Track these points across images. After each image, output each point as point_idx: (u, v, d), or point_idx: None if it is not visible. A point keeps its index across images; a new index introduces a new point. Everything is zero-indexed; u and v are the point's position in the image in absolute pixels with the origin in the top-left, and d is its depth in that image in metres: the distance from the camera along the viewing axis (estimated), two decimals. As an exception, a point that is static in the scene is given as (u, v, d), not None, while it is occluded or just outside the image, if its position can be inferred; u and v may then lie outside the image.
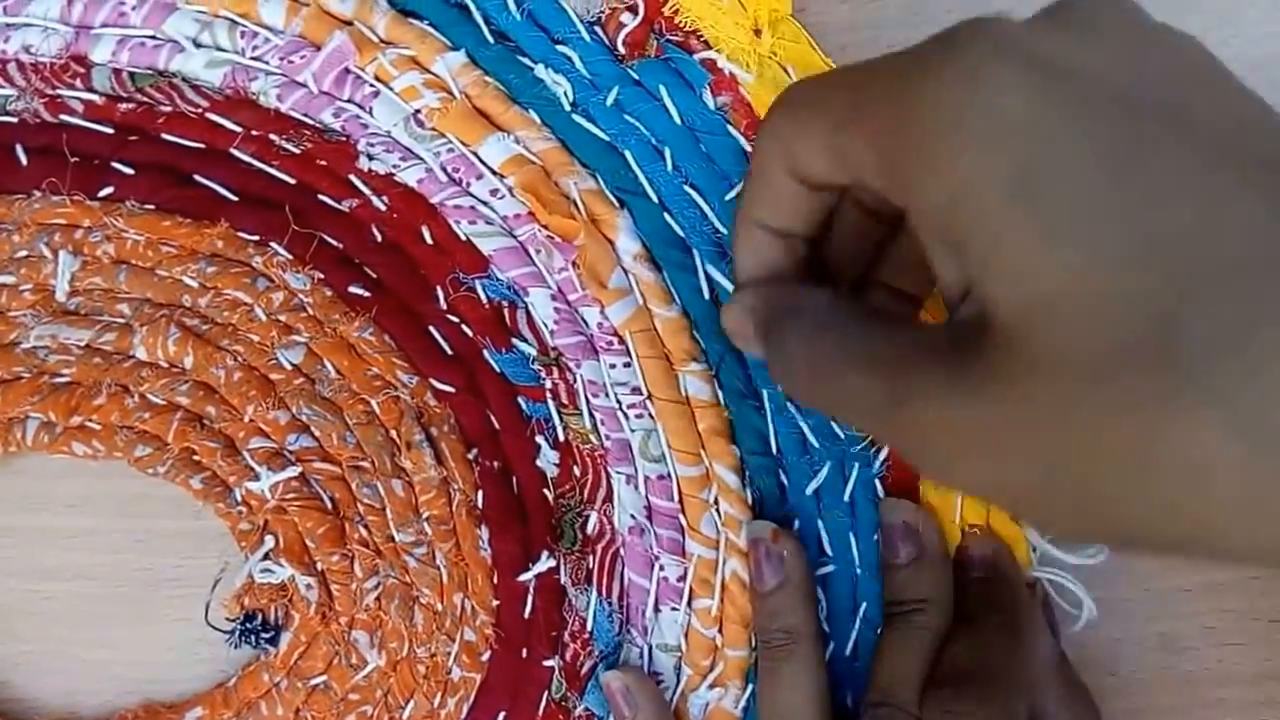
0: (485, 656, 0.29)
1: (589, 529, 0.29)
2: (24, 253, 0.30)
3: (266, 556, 0.29)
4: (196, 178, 0.30)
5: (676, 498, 0.29)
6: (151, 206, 0.30)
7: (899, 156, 0.18)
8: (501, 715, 0.29)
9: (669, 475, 0.29)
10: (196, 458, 0.29)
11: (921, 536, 0.27)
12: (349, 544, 0.29)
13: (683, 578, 0.28)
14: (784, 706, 0.26)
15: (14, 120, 0.30)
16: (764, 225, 0.24)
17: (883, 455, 0.28)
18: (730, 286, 0.28)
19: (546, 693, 0.29)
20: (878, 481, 0.28)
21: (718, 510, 0.28)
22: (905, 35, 0.29)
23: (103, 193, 0.30)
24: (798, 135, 0.21)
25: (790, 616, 0.27)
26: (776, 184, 0.22)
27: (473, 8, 0.29)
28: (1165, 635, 0.28)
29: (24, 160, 0.30)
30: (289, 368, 0.29)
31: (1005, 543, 0.27)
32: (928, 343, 0.19)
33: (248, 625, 0.29)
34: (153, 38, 0.30)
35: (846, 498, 0.28)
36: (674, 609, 0.28)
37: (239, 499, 0.29)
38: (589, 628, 0.29)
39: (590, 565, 0.29)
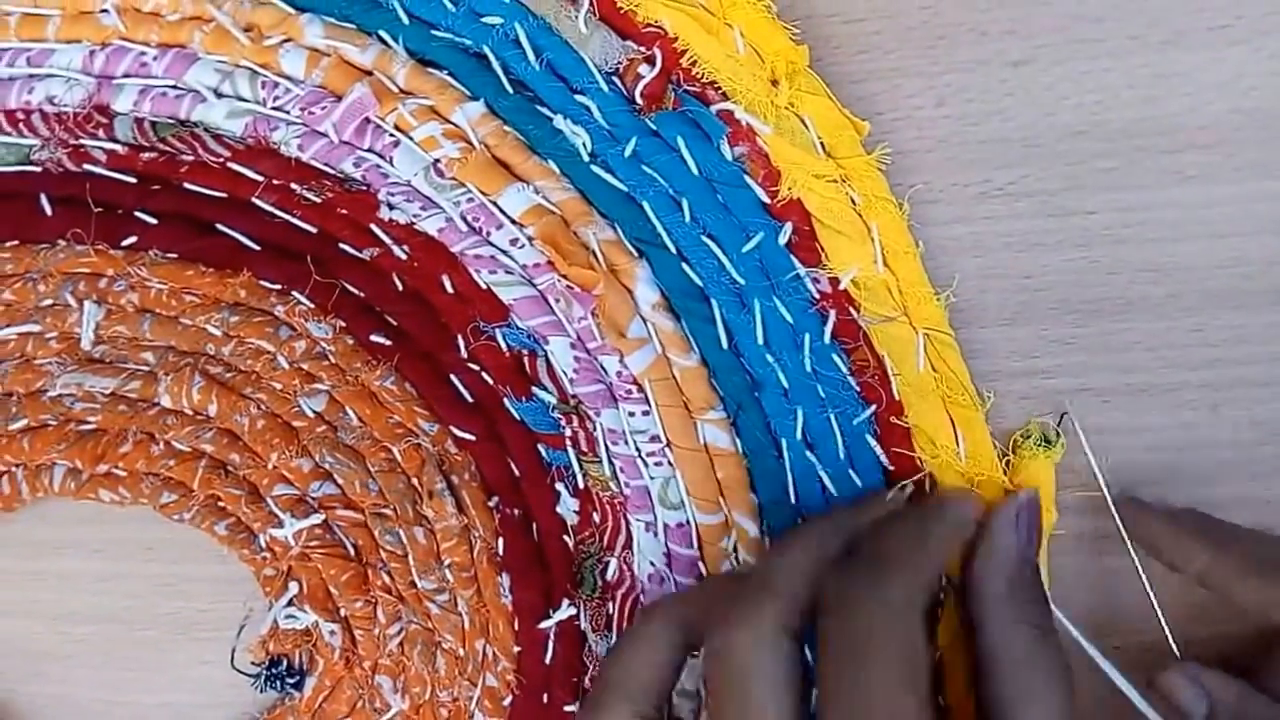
0: (507, 702, 0.29)
1: (609, 575, 0.29)
2: (49, 301, 0.30)
3: (290, 603, 0.29)
4: (219, 227, 0.30)
5: (696, 545, 0.29)
6: (174, 256, 0.30)
7: None
8: (523, 760, 0.29)
9: (688, 522, 0.29)
10: (221, 504, 0.30)
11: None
12: (372, 590, 0.29)
13: (702, 624, 0.29)
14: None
15: (38, 170, 0.30)
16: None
17: (900, 503, 0.28)
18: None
19: (568, 746, 0.29)
20: (895, 530, 0.29)
21: (736, 558, 0.29)
22: (922, 84, 0.29)
23: (126, 242, 0.30)
24: None
25: None
26: None
27: (492, 58, 0.30)
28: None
29: (48, 210, 0.30)
30: (311, 415, 0.30)
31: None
32: None
33: (273, 670, 0.30)
34: (174, 88, 0.30)
35: (864, 545, 0.28)
36: (693, 656, 0.29)
37: (263, 545, 0.30)
38: (609, 673, 0.29)
39: (611, 611, 0.29)
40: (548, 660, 0.29)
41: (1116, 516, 0.28)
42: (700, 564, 0.29)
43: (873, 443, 0.29)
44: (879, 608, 0.24)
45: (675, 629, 0.26)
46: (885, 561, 0.25)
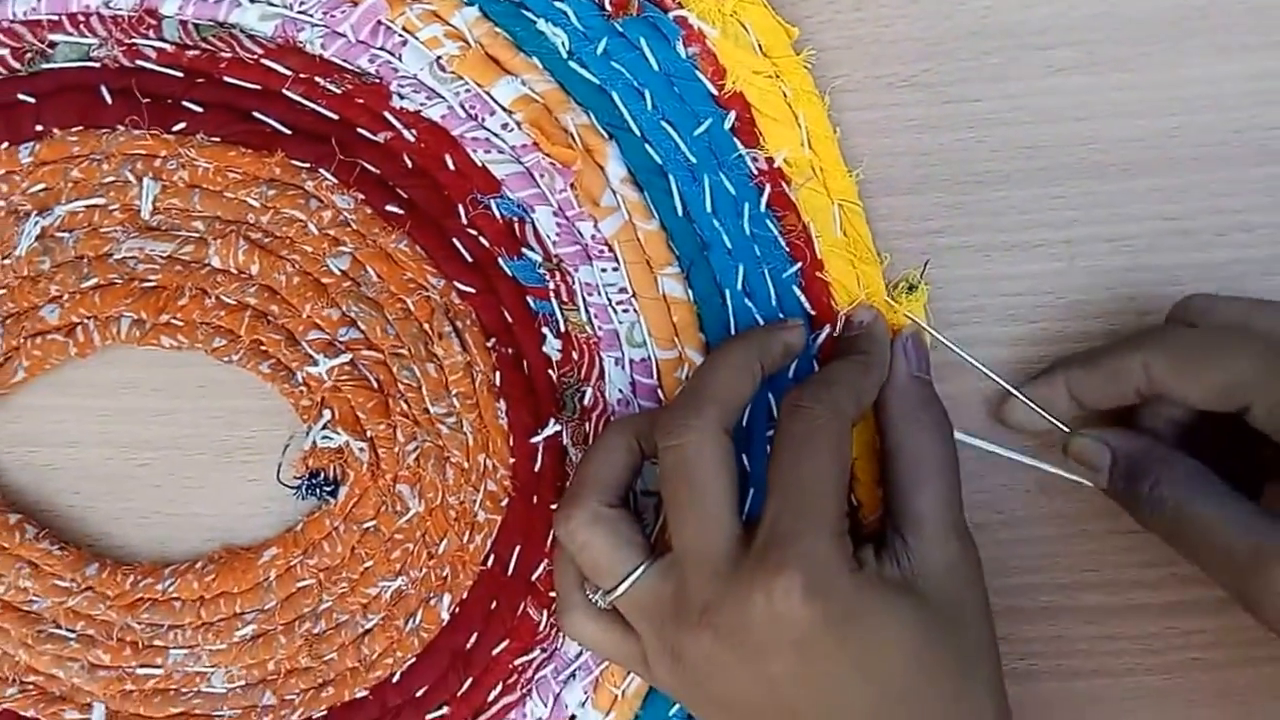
0: (504, 503, 0.36)
1: (586, 401, 0.36)
2: (112, 179, 0.36)
3: (325, 426, 0.36)
4: (255, 114, 0.35)
5: (656, 376, 0.35)
6: (218, 139, 0.35)
7: None
8: (517, 549, 0.36)
9: (649, 358, 0.35)
10: (264, 348, 0.36)
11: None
12: (393, 416, 0.36)
13: (661, 440, 0.35)
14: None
15: (98, 65, 0.35)
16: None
17: (819, 341, 0.35)
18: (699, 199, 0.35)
19: (553, 531, 0.36)
20: (815, 361, 0.35)
21: (689, 385, 0.35)
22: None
23: (176, 127, 0.35)
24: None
25: None
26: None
27: (482, -32, 0.35)
28: (1041, 482, 0.36)
29: (109, 100, 0.35)
30: (338, 273, 0.36)
31: (883, 313, 0.34)
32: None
33: (312, 481, 0.36)
34: (213, -6, 0.35)
35: (791, 374, 0.35)
36: (653, 463, 0.35)
37: (300, 380, 0.36)
38: (587, 480, 0.36)
39: (588, 430, 0.36)
40: (537, 469, 0.35)
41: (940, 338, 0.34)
42: (659, 391, 0.35)
43: (798, 292, 0.35)
44: (822, 412, 0.30)
45: (631, 437, 0.33)
46: (831, 383, 0.32)
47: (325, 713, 0.37)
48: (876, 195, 0.35)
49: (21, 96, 0.35)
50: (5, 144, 0.36)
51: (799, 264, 0.35)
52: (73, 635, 0.37)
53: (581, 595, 0.33)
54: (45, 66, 0.36)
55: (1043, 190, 0.35)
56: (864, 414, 0.33)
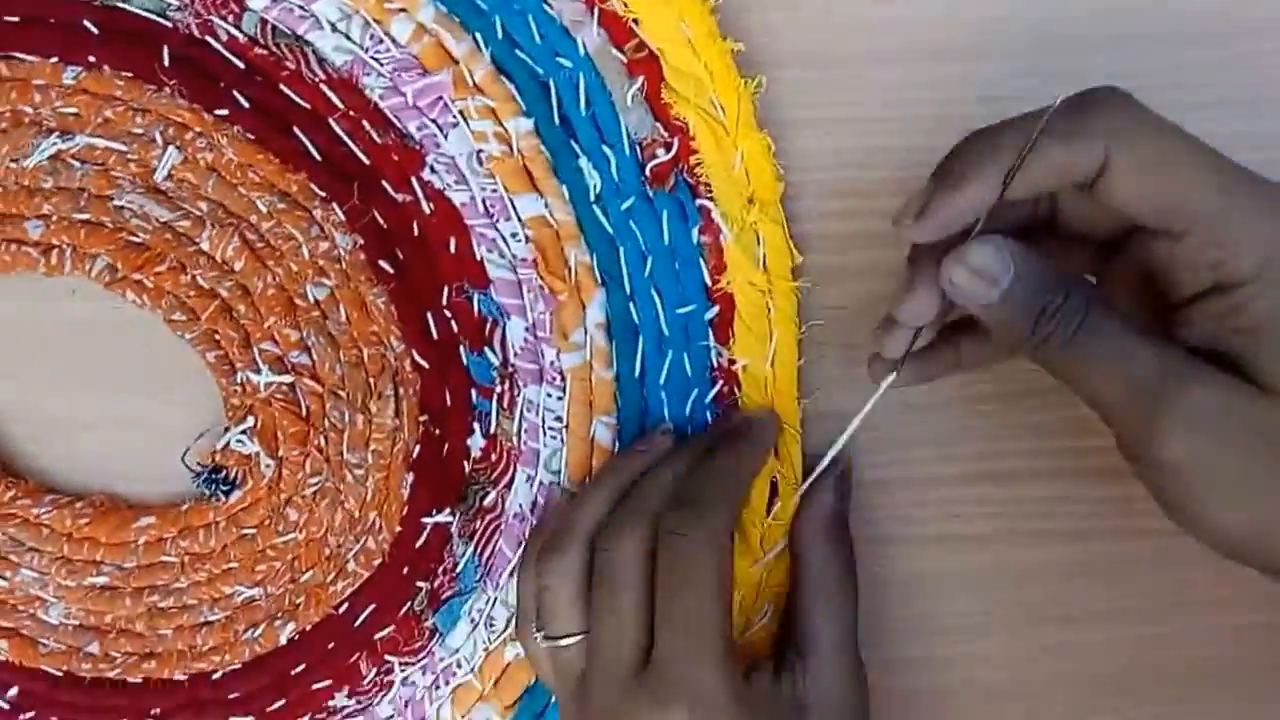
0: (376, 563, 0.38)
1: (486, 502, 0.38)
2: (140, 132, 0.37)
3: (244, 432, 0.37)
4: (295, 130, 0.37)
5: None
6: (253, 137, 0.37)
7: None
8: (371, 608, 0.38)
9: (557, 485, 0.38)
10: (218, 338, 0.37)
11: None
12: (309, 446, 0.37)
13: (538, 562, 0.38)
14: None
15: (169, 25, 0.37)
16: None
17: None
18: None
19: (410, 603, 0.38)
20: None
21: (582, 526, 0.37)
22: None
23: (219, 111, 0.36)
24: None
25: None
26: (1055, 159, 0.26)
27: (553, 90, 0.37)
28: None
29: (166, 61, 0.36)
30: (311, 300, 0.37)
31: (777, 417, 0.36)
32: (1187, 356, 0.25)
33: (213, 475, 0.37)
34: (302, 8, 0.37)
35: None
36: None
37: (239, 381, 0.37)
38: (458, 570, 0.38)
39: (476, 528, 0.38)
40: (417, 545, 0.37)
41: None
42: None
43: (711, 484, 0.38)
44: (696, 538, 0.32)
45: (615, 497, 0.34)
46: (703, 502, 0.32)
47: (140, 681, 0.39)
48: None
49: (87, 23, 0.36)
50: (55, 59, 0.36)
51: (720, 459, 0.37)
52: (-68, 522, 0.38)
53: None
54: (120, 5, 0.37)
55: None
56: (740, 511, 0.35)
